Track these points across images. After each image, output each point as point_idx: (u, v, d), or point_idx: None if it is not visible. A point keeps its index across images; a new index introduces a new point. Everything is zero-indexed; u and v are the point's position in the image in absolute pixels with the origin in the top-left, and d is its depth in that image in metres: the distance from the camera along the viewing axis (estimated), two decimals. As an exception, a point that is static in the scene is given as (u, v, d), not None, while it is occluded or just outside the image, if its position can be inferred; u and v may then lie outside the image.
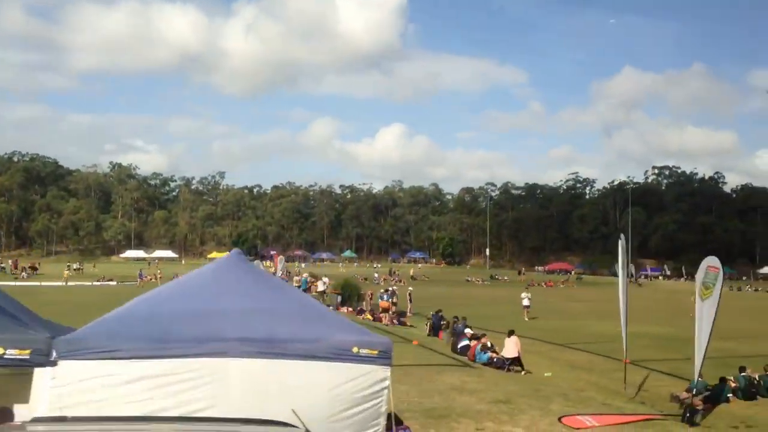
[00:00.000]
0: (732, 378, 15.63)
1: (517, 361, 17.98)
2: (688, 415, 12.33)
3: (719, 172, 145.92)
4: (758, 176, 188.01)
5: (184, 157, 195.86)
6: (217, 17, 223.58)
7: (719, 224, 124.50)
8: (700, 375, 13.60)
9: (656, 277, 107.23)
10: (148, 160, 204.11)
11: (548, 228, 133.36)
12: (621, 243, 16.96)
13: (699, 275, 14.04)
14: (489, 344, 19.48)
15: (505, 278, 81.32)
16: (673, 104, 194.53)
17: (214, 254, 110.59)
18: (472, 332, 21.57)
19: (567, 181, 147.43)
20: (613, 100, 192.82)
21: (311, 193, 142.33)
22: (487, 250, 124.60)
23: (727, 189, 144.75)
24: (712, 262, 13.93)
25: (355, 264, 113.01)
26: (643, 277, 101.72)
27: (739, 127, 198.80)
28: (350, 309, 32.81)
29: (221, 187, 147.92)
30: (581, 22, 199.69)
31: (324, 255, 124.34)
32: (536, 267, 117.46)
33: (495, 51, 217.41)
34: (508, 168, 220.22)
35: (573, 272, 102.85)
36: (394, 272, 76.18)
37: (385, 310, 29.93)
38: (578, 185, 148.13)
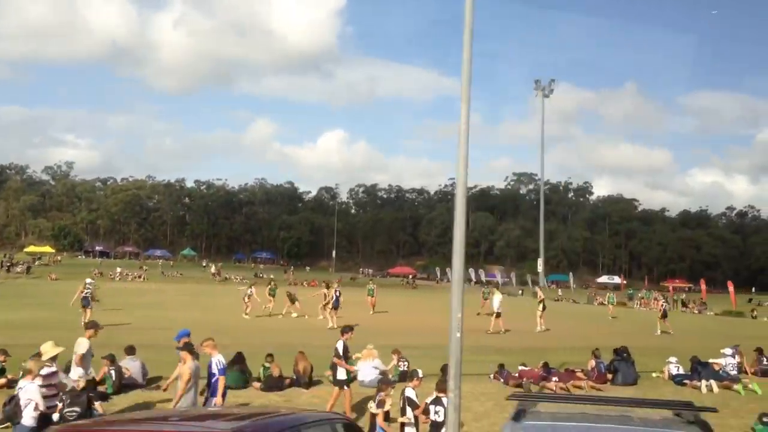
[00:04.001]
0: None
1: None
2: None
3: (588, 182, 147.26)
4: (690, 194, 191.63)
5: (117, 152, 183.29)
6: (148, 9, 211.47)
7: (565, 232, 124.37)
8: None
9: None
10: (77, 156, 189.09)
11: (401, 231, 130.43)
12: None
13: None
14: None
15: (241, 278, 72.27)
16: (608, 121, 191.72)
17: (31, 248, 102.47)
18: None
19: (445, 186, 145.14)
20: (551, 114, 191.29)
21: (158, 186, 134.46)
22: (334, 252, 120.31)
23: (593, 199, 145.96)
24: None
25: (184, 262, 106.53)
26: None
27: (673, 146, 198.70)
28: None
29: (70, 178, 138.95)
30: (523, 35, 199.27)
31: (158, 252, 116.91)
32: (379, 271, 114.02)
33: (435, 61, 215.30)
34: (448, 177, 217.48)
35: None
36: (143, 267, 71.15)
37: None
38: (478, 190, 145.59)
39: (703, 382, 14.45)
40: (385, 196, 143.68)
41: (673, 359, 15.79)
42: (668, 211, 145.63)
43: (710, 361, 15.56)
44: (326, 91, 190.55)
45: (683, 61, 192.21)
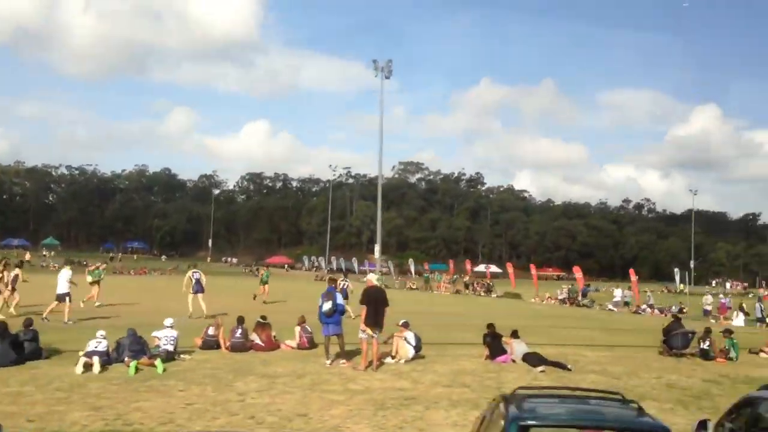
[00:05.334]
0: None
1: None
2: None
3: (479, 173, 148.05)
4: (605, 188, 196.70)
5: (26, 141, 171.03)
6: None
7: (446, 221, 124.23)
8: None
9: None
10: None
11: (283, 220, 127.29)
12: None
13: None
14: None
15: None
16: (527, 116, 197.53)
17: None
18: None
19: (339, 176, 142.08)
20: (472, 109, 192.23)
21: (22, 171, 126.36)
22: (210, 241, 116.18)
23: (483, 190, 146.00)
24: None
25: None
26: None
27: (589, 141, 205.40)
28: None
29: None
30: (448, 32, 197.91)
31: (16, 241, 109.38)
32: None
33: (360, 53, 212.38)
34: (373, 170, 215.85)
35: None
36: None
37: None
38: (351, 180, 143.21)
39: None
40: (270, 184, 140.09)
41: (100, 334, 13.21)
42: (553, 201, 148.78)
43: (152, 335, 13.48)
44: (249, 80, 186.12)
45: (598, 58, 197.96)
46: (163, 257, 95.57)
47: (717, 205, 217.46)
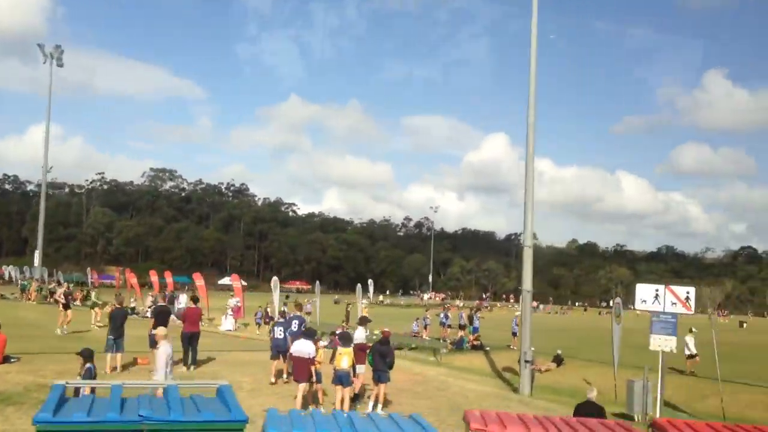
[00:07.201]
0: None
1: None
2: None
3: (244, 184, 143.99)
4: (407, 208, 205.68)
5: None
6: None
7: (194, 231, 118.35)
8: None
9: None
10: None
11: (4, 227, 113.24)
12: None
13: None
14: None
15: None
16: (335, 135, 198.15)
17: None
18: None
19: (94, 181, 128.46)
20: (282, 125, 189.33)
21: None
22: None
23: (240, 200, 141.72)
24: None
25: None
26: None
27: (394, 162, 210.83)
28: None
29: None
30: (256, 45, 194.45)
31: None
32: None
33: (164, 58, 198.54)
34: (125, 175, 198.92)
35: None
36: None
37: None
38: (105, 186, 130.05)
39: None
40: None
41: None
42: (317, 216, 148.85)
43: None
44: (35, 78, 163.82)
45: (400, 83, 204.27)
46: None
47: (506, 226, 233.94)
